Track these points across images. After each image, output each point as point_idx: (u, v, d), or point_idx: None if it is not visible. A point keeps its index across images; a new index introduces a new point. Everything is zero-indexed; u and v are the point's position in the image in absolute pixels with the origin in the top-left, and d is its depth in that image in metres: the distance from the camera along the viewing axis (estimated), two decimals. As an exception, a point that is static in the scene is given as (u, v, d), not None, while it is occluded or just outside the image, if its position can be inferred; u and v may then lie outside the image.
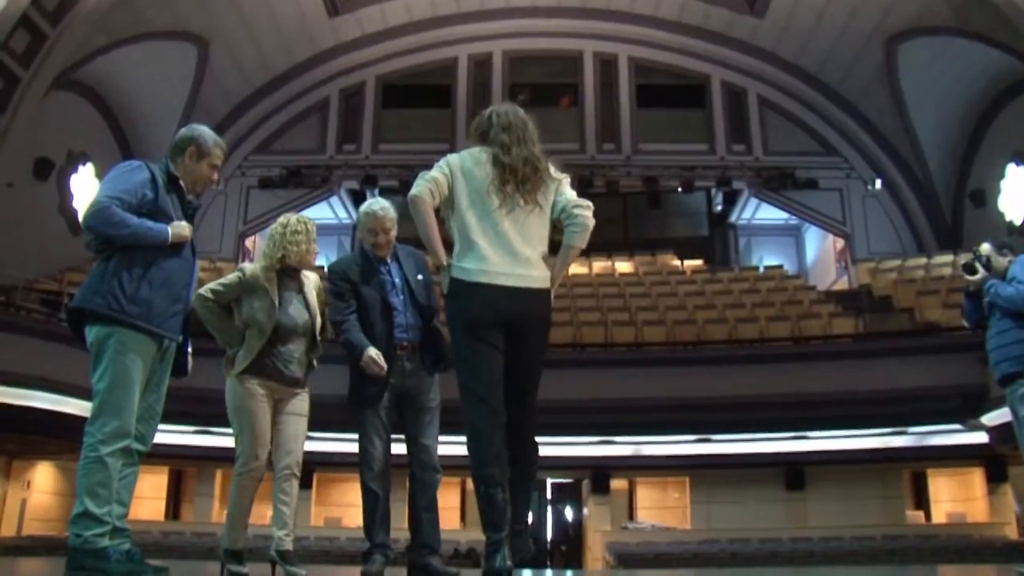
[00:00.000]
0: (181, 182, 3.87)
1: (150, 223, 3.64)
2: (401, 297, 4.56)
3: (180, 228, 3.73)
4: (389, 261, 4.64)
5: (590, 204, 3.53)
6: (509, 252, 3.45)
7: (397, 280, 4.60)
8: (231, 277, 4.44)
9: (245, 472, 4.27)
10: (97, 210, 3.55)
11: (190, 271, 3.86)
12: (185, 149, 3.88)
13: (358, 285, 4.50)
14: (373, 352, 4.29)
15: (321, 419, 5.36)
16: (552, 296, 3.51)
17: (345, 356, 4.50)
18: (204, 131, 3.96)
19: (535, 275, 3.46)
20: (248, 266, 4.50)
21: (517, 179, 3.54)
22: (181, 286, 3.78)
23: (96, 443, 3.51)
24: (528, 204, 3.52)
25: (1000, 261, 5.20)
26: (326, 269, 4.70)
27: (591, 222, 3.50)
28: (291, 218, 4.55)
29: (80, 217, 3.67)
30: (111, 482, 3.53)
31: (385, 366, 4.30)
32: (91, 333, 3.63)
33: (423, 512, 4.50)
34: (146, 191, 3.69)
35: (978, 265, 5.25)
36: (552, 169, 3.66)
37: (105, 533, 3.49)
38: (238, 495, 4.30)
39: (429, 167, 3.60)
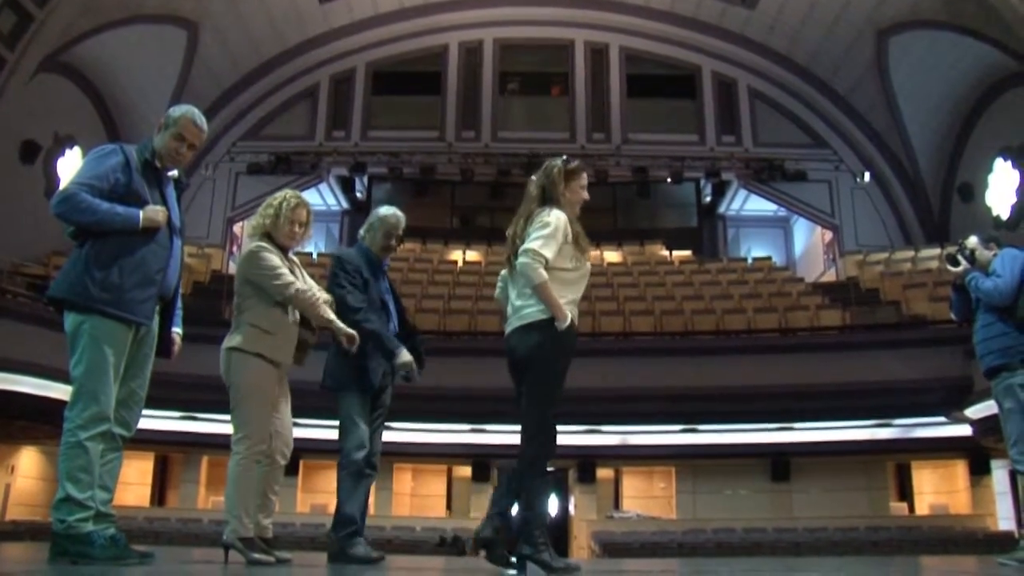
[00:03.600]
0: (157, 162, 3.82)
1: (120, 208, 3.61)
2: (392, 305, 4.80)
3: (152, 213, 3.68)
4: (385, 269, 4.89)
5: (529, 248, 3.74)
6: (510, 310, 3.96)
7: (387, 287, 4.85)
8: (275, 259, 4.24)
9: (253, 453, 4.10)
10: (63, 198, 3.54)
11: (166, 255, 3.78)
12: (157, 127, 3.88)
13: (369, 283, 4.66)
14: (408, 357, 4.44)
15: (310, 406, 5.33)
16: (551, 323, 3.73)
17: (333, 342, 4.53)
18: (179, 106, 3.94)
19: (521, 314, 3.83)
20: (261, 243, 4.32)
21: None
22: (154, 271, 3.73)
23: (75, 428, 3.51)
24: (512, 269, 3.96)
25: (985, 254, 5.22)
26: (337, 257, 4.81)
27: (527, 269, 3.73)
28: (276, 194, 4.48)
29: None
30: (92, 467, 3.52)
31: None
32: (67, 320, 3.63)
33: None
34: (118, 175, 3.66)
35: (960, 257, 5.26)
36: (532, 214, 3.92)
37: (88, 518, 3.48)
38: (247, 477, 4.08)
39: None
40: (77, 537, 3.43)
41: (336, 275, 4.64)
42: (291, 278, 4.22)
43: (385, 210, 4.92)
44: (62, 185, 3.63)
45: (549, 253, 3.74)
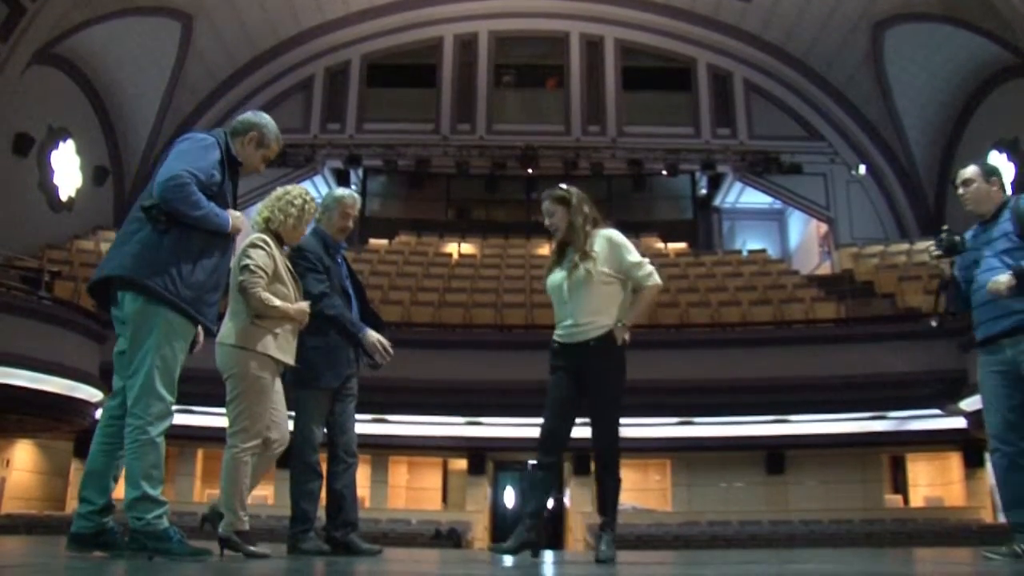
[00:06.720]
0: (240, 168, 3.82)
1: (218, 210, 3.58)
2: (351, 291, 4.79)
3: (238, 220, 3.69)
4: (342, 251, 4.89)
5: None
6: None
7: (346, 272, 4.85)
8: (263, 257, 4.08)
9: (247, 449, 4.02)
10: (177, 184, 3.45)
11: (230, 261, 3.83)
12: (247, 132, 3.81)
13: (330, 269, 4.66)
14: (374, 336, 4.48)
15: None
16: None
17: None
18: (269, 122, 3.91)
19: None
20: (265, 236, 4.18)
21: None
22: (223, 275, 3.75)
23: (145, 425, 3.47)
24: None
25: (985, 187, 4.53)
26: (297, 247, 4.60)
27: None
28: (293, 189, 4.35)
29: (156, 185, 3.53)
30: (162, 463, 3.53)
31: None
32: (134, 303, 3.51)
33: (346, 491, 4.65)
34: (215, 172, 3.61)
35: (948, 244, 4.75)
36: None
37: (164, 514, 3.49)
38: (242, 471, 4.02)
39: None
40: (155, 533, 3.44)
41: (297, 263, 4.51)
42: (261, 287, 4.02)
43: (340, 191, 4.98)
44: (168, 169, 3.49)
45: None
